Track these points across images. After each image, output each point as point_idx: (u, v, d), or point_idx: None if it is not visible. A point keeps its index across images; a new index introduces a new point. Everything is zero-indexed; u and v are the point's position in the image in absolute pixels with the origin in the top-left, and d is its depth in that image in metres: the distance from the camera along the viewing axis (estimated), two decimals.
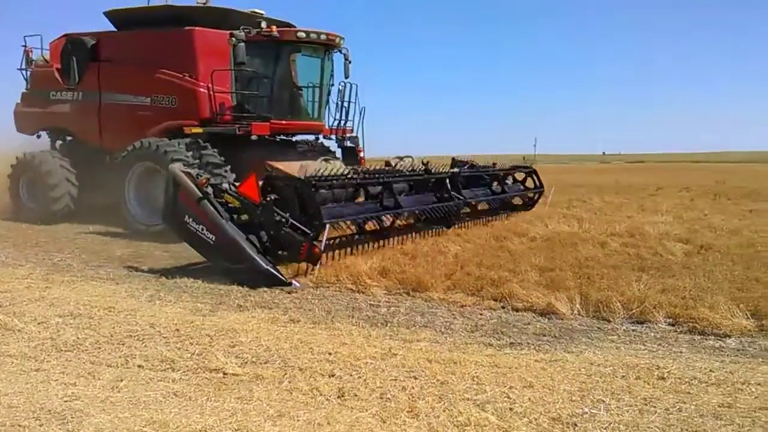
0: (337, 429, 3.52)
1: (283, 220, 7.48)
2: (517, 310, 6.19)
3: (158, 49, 11.95)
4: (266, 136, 11.82)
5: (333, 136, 13.24)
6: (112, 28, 13.13)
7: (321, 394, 4.02)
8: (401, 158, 13.29)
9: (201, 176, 8.16)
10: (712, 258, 8.38)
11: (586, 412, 3.77)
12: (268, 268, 7.25)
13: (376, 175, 9.94)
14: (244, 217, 7.60)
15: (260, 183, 7.71)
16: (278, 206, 7.64)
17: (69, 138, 13.60)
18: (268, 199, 7.76)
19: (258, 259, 7.27)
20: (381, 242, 9.10)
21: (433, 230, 10.27)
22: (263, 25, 11.38)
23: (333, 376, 4.34)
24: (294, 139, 13.41)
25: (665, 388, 4.18)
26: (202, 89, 11.38)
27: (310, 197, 7.93)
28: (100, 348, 4.93)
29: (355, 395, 4.00)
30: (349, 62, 12.75)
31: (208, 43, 11.66)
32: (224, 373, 4.37)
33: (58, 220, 12.49)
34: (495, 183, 13.05)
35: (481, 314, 6.05)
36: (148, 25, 12.32)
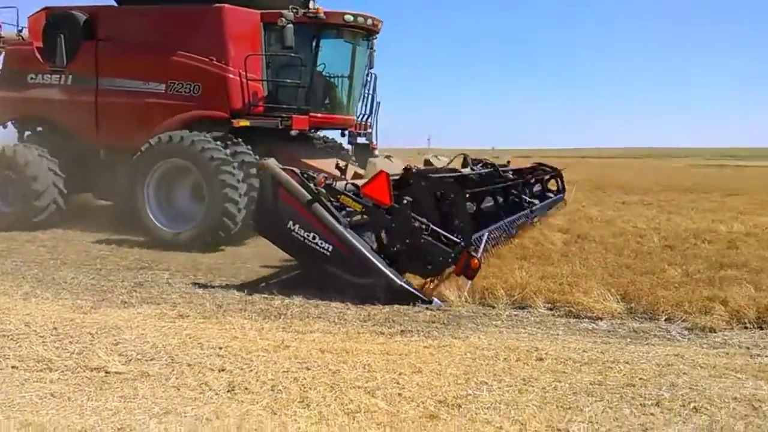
0: (226, 423, 3.48)
1: (423, 226, 6.45)
2: None
3: (177, 28, 10.25)
4: (295, 131, 10.43)
5: (347, 132, 11.71)
6: (107, 2, 11.35)
7: (210, 389, 3.96)
8: (437, 157, 11.59)
9: (311, 174, 6.73)
10: (588, 246, 8.94)
11: (470, 394, 3.95)
12: (402, 284, 6.25)
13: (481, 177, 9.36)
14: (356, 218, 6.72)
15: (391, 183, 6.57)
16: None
17: (39, 129, 11.45)
18: (405, 201, 6.74)
19: (389, 273, 6.22)
20: None
21: None
22: (311, 5, 10.23)
23: (223, 370, 4.28)
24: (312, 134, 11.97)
25: (543, 368, 4.45)
26: (233, 76, 9.87)
27: (460, 201, 7.16)
28: None
29: (246, 388, 3.97)
30: (374, 51, 11.58)
31: (239, 24, 10.11)
32: (106, 372, 4.20)
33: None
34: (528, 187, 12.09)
35: (373, 304, 6.15)
36: (158, 1, 10.71)
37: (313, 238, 6.36)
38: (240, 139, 9.70)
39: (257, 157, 9.39)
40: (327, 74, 10.98)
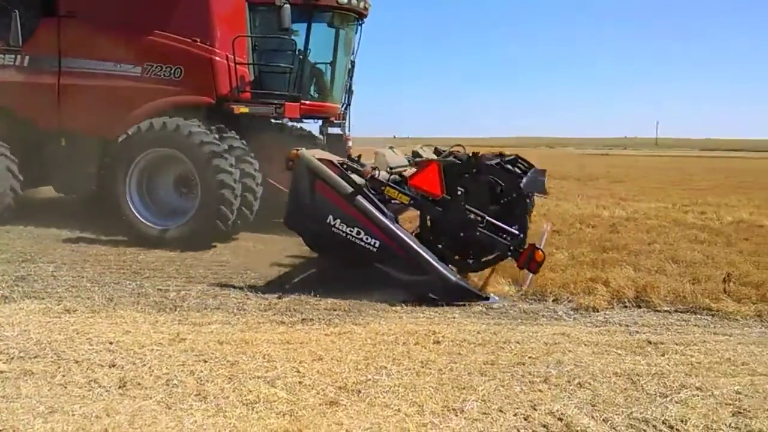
0: (117, 420, 3.35)
1: (479, 218, 6.21)
2: None
3: (154, 5, 9.32)
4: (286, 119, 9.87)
5: (322, 121, 11.05)
6: None
7: (100, 386, 3.79)
8: (422, 148, 10.75)
9: (351, 165, 6.37)
10: None
11: (370, 379, 4.01)
12: (458, 280, 6.01)
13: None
14: None
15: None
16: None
17: None
18: (459, 192, 6.39)
19: (443, 269, 5.95)
20: None
21: None
22: None
23: (114, 366, 4.11)
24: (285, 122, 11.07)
25: (440, 351, 4.59)
26: (219, 59, 9.08)
27: (519, 192, 6.64)
28: None
29: (139, 384, 3.83)
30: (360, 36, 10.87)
31: (224, 2, 9.34)
32: None
33: None
34: None
35: (274, 293, 6.08)
36: None
37: (358, 233, 5.96)
38: (224, 126, 9.11)
39: (243, 142, 9.06)
40: (316, 60, 10.36)
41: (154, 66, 9.17)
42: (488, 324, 5.32)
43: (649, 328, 5.33)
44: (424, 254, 5.95)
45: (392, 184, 6.40)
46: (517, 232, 6.27)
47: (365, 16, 10.39)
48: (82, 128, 9.47)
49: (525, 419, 3.52)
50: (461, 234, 6.26)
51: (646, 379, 4.13)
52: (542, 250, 6.14)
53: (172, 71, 9.13)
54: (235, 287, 6.21)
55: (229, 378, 3.96)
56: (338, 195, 6.05)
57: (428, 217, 6.49)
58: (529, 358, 4.50)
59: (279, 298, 5.93)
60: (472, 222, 6.23)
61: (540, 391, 3.93)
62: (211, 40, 9.09)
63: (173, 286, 6.29)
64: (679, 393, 3.91)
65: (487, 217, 6.26)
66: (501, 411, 3.61)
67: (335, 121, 11.06)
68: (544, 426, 3.44)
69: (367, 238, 5.94)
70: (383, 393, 3.80)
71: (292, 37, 9.32)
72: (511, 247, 6.16)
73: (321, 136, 11.30)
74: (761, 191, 18.31)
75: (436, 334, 4.93)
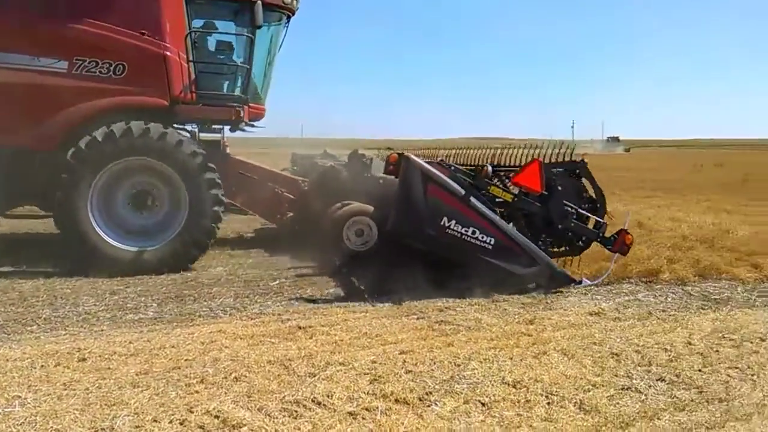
0: None
1: (572, 210, 6.88)
2: None
3: None
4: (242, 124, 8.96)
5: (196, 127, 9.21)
6: None
7: None
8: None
9: (458, 167, 6.92)
10: None
11: (0, 413, 3.49)
12: (562, 269, 6.77)
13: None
14: None
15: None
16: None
17: None
18: (559, 188, 6.89)
19: (550, 260, 6.65)
20: None
21: None
22: None
23: None
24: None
25: (86, 368, 4.22)
26: (172, 55, 7.99)
27: (595, 183, 7.17)
28: None
29: None
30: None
31: None
32: None
33: None
34: None
35: None
36: None
37: (473, 233, 6.28)
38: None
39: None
40: (258, 60, 9.18)
41: (86, 61, 7.68)
42: (141, 332, 5.08)
43: (299, 314, 5.71)
44: (534, 247, 6.53)
45: (496, 184, 6.88)
46: (603, 221, 7.06)
47: (294, 14, 9.71)
48: None
49: (181, 424, 3.45)
50: (559, 226, 6.89)
51: (297, 363, 4.41)
52: (631, 234, 6.98)
53: (113, 68, 7.76)
54: None
55: None
56: (453, 197, 6.31)
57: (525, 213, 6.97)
58: (186, 360, 4.43)
59: None
60: (568, 215, 6.86)
61: (197, 392, 3.90)
62: (162, 34, 7.97)
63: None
64: (325, 370, 4.28)
65: (579, 209, 6.98)
66: (156, 421, 3.47)
67: (247, 124, 9.56)
68: (201, 427, 3.43)
69: (482, 237, 6.31)
70: (17, 426, 3.35)
71: (248, 35, 8.60)
72: (600, 235, 6.97)
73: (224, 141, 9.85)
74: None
75: (81, 350, 4.52)
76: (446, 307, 5.95)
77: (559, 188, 6.94)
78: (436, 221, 6.29)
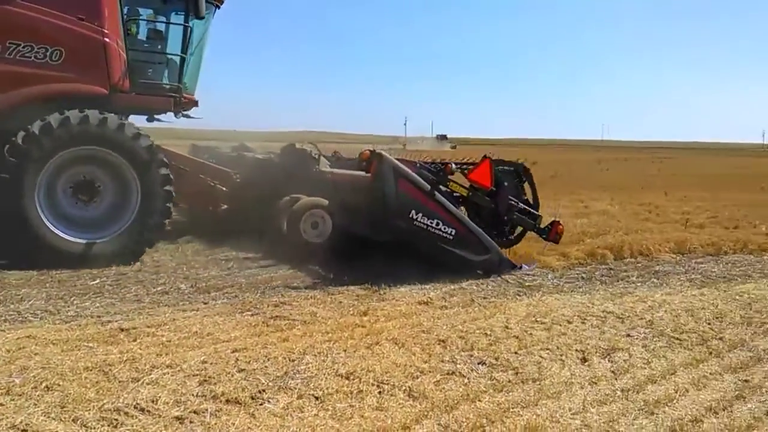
0: None
1: (515, 204, 7.73)
2: None
3: None
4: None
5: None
6: None
7: None
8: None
9: (423, 164, 7.53)
10: None
11: None
12: (506, 257, 7.47)
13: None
14: None
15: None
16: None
17: None
18: (506, 184, 7.77)
19: (499, 249, 7.34)
20: None
21: None
22: None
23: None
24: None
25: None
26: (111, 41, 7.71)
27: (531, 181, 8.25)
28: None
29: None
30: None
31: None
32: None
33: None
34: None
35: None
36: None
37: (437, 224, 6.85)
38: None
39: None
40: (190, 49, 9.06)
41: (20, 45, 7.36)
42: None
43: (122, 315, 5.35)
44: (487, 236, 7.19)
45: (454, 180, 7.35)
46: (538, 213, 8.00)
47: (220, 7, 9.53)
48: None
49: None
50: (505, 218, 7.69)
51: (118, 368, 4.13)
52: (562, 225, 8.04)
53: (49, 54, 7.47)
54: None
55: None
56: (419, 191, 6.81)
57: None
58: None
59: None
60: (512, 208, 7.66)
61: (1, 404, 3.52)
62: (100, 20, 7.74)
63: None
64: (150, 374, 4.04)
65: (520, 203, 7.82)
66: None
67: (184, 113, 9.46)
68: None
69: (444, 228, 6.88)
70: None
71: (186, 24, 8.63)
72: (537, 225, 7.90)
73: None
74: None
75: None
76: (282, 302, 5.91)
77: (505, 184, 7.83)
78: (406, 214, 6.80)
